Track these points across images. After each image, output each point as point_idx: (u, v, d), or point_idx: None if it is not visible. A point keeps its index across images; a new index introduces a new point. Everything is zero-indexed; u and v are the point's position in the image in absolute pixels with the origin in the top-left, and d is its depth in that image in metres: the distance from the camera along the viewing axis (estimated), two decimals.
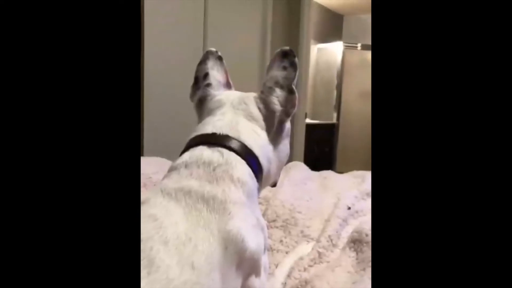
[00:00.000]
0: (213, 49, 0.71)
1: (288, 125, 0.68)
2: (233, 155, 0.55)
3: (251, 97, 0.64)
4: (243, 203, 0.52)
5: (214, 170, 0.52)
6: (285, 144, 0.68)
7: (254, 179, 0.57)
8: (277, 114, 0.63)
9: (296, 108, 0.65)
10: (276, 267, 0.71)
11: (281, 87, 0.63)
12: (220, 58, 0.71)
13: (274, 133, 0.64)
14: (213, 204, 0.49)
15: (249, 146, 0.58)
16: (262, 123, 0.62)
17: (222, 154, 0.55)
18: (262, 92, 0.64)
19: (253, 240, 0.50)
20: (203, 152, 0.55)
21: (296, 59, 0.62)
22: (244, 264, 0.49)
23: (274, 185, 0.76)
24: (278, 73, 0.63)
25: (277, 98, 0.63)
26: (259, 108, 0.63)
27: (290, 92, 0.63)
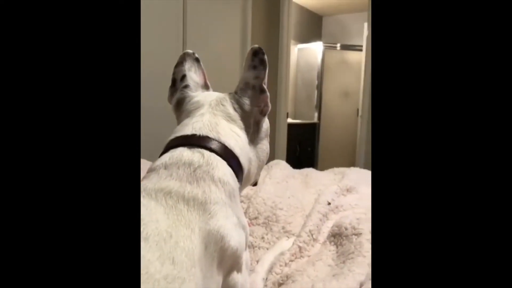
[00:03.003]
0: (190, 51, 0.71)
1: (266, 125, 0.69)
2: (213, 155, 0.55)
3: (227, 97, 0.65)
4: (224, 203, 0.52)
5: (194, 171, 0.52)
6: (264, 144, 0.68)
7: (235, 179, 0.57)
8: (252, 114, 0.64)
9: (270, 107, 0.65)
10: (257, 263, 0.72)
11: (253, 87, 0.63)
12: (197, 60, 0.71)
13: (253, 133, 0.64)
14: (193, 205, 0.49)
15: (229, 146, 0.58)
16: (241, 123, 0.63)
17: (202, 155, 0.55)
18: (235, 92, 0.64)
19: (234, 238, 0.50)
20: (183, 153, 0.55)
21: (266, 57, 0.62)
22: (226, 261, 0.50)
23: (255, 184, 0.77)
24: (249, 73, 0.62)
25: (249, 99, 0.63)
26: (234, 109, 0.63)
27: (262, 91, 0.63)
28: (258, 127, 0.66)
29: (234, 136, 0.60)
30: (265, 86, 0.63)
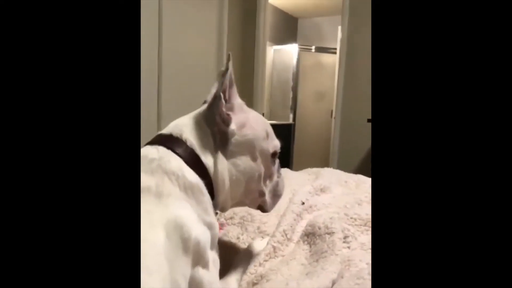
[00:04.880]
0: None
1: (243, 138, 0.64)
2: (167, 151, 0.57)
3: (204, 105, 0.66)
4: (178, 196, 0.53)
5: (149, 163, 0.55)
6: (241, 160, 0.64)
7: (197, 178, 0.57)
8: (214, 121, 0.62)
9: (229, 118, 0.62)
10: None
11: (215, 96, 0.62)
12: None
13: (220, 142, 0.63)
14: (148, 195, 0.50)
15: (191, 145, 0.60)
16: (206, 129, 0.63)
17: (158, 150, 0.57)
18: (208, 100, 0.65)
19: (196, 231, 0.51)
20: (142, 149, 0.59)
21: (229, 64, 0.61)
22: (190, 251, 0.50)
23: (264, 210, 0.74)
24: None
25: (213, 107, 0.63)
26: (205, 115, 0.64)
27: (217, 98, 0.62)
28: (226, 137, 0.63)
29: (199, 136, 0.61)
30: (220, 94, 0.61)
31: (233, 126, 0.63)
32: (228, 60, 0.61)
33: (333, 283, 0.61)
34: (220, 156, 0.62)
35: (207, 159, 0.60)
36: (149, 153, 0.57)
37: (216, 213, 0.67)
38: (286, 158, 4.32)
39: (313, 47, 4.57)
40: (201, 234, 0.52)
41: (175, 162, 0.56)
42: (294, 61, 4.44)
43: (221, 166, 0.62)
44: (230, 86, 0.63)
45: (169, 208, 0.50)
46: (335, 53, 4.15)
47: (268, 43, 3.61)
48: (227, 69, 0.61)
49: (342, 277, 0.62)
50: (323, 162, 4.03)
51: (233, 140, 0.63)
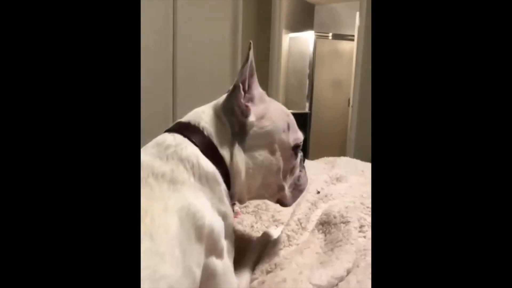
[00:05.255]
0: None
1: (259, 130, 0.62)
2: (185, 139, 0.57)
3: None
4: (192, 184, 0.52)
5: (165, 149, 0.55)
6: (260, 153, 0.62)
7: (214, 168, 0.56)
8: (234, 112, 0.61)
9: (248, 109, 0.61)
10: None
11: (234, 86, 0.60)
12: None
13: (239, 133, 0.61)
14: (163, 181, 0.50)
15: (207, 133, 0.59)
16: (224, 118, 0.61)
17: (174, 137, 0.57)
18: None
19: (209, 218, 0.51)
20: (160, 136, 0.59)
21: (250, 52, 0.59)
22: (203, 240, 0.49)
23: (284, 204, 0.73)
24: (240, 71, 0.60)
25: (232, 96, 0.61)
26: (223, 103, 0.63)
27: (234, 88, 0.60)
28: (244, 129, 0.61)
29: (217, 126, 0.60)
30: (239, 83, 0.60)
31: (252, 118, 0.61)
32: (249, 49, 0.59)
33: (348, 272, 0.61)
34: (237, 148, 0.60)
35: (224, 150, 0.59)
36: (166, 139, 0.57)
37: (234, 204, 0.66)
38: (302, 147, 4.29)
39: (330, 34, 4.48)
40: (214, 222, 0.52)
41: (191, 150, 0.56)
42: (310, 48, 4.36)
43: (237, 157, 0.60)
44: (251, 76, 0.62)
45: (183, 195, 0.50)
46: (352, 40, 4.05)
47: (284, 30, 3.56)
48: (247, 58, 0.59)
49: (357, 267, 0.61)
50: (340, 151, 3.98)
51: (251, 132, 0.61)
